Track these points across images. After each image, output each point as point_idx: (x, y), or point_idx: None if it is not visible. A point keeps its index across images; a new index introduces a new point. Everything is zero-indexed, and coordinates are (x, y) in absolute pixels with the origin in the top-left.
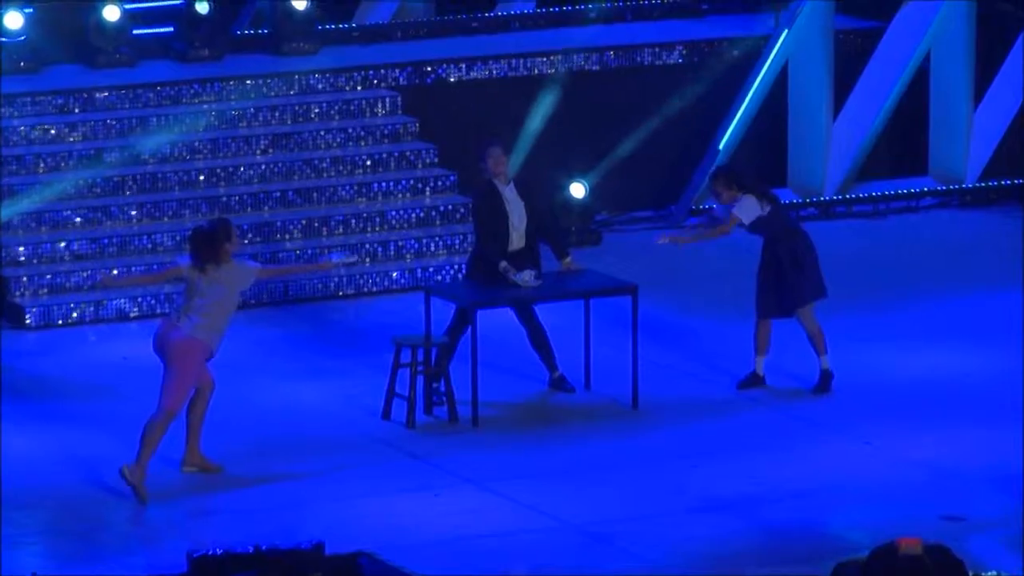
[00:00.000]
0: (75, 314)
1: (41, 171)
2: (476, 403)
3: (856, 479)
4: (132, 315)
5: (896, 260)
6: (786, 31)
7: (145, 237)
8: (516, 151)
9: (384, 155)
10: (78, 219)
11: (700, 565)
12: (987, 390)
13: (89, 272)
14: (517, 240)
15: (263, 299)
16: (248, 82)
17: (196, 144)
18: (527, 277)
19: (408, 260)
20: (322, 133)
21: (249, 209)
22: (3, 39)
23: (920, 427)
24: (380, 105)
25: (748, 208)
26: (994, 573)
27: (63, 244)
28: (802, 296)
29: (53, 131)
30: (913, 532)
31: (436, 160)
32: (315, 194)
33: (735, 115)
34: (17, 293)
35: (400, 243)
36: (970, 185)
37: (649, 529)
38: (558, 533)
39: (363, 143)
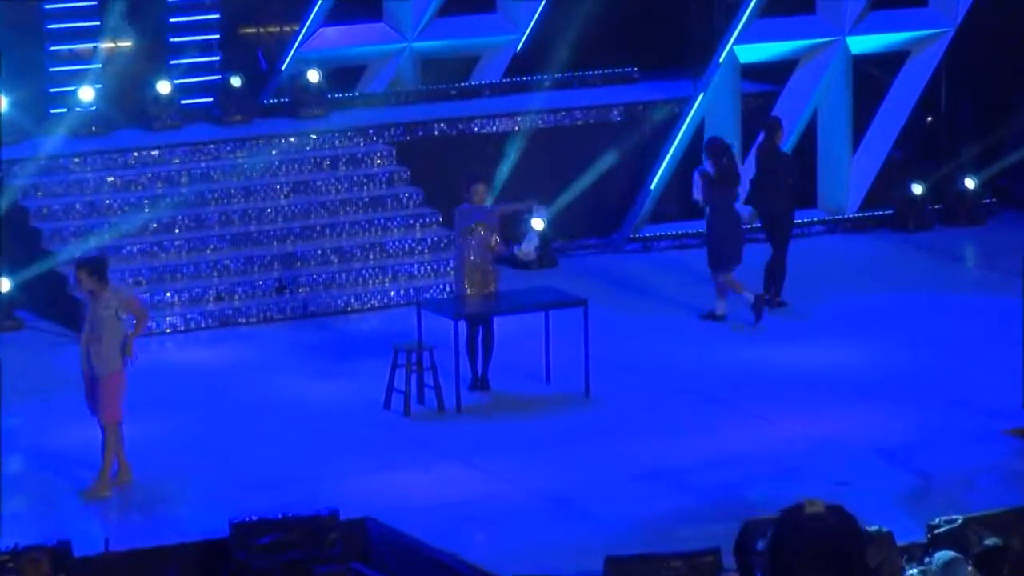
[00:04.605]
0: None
1: (108, 214)
2: (459, 395)
3: (764, 452)
4: (181, 329)
5: (794, 275)
6: (702, 94)
7: (192, 266)
8: (488, 192)
9: (382, 197)
10: (138, 252)
11: (641, 522)
12: (866, 377)
13: (148, 295)
14: None
15: (287, 313)
16: (273, 140)
17: (232, 190)
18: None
19: (403, 281)
20: (332, 180)
21: (275, 242)
22: (78, 108)
23: (814, 409)
24: (378, 157)
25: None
26: (876, 527)
27: (126, 272)
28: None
29: (118, 181)
30: (810, 495)
31: (423, 200)
32: (327, 229)
33: (663, 161)
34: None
35: (396, 268)
36: (851, 215)
37: (598, 494)
38: (526, 499)
39: (365, 188)
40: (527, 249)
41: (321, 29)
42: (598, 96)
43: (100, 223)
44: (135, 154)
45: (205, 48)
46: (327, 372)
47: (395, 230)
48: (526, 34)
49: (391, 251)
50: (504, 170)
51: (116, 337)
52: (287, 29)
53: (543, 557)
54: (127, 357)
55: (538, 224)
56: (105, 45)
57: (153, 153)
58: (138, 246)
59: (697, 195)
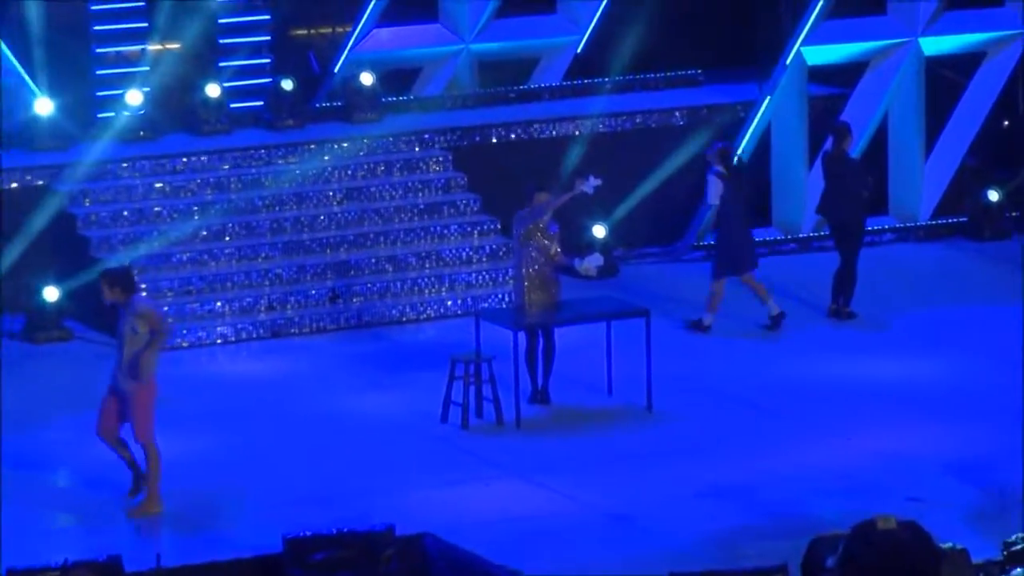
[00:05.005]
0: (184, 343)
1: (156, 221)
2: (519, 408)
3: (832, 467)
4: (231, 340)
5: (865, 285)
6: (768, 97)
7: (242, 275)
8: None
9: (438, 204)
10: (187, 260)
11: (706, 540)
12: (937, 390)
13: (198, 304)
14: None
15: (340, 324)
16: (326, 145)
17: (283, 197)
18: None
19: (460, 291)
20: (387, 186)
21: (328, 251)
22: (126, 113)
23: (884, 423)
24: (434, 162)
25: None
26: (950, 544)
27: (175, 280)
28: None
29: (167, 187)
30: (881, 511)
31: (480, 207)
32: (382, 237)
33: None
34: None
35: (453, 277)
36: (923, 222)
37: (663, 511)
38: (587, 515)
39: (420, 194)
40: (589, 265)
41: (375, 30)
42: (661, 99)
43: (149, 230)
44: (184, 159)
45: (255, 50)
46: (382, 384)
47: (452, 238)
48: (587, 35)
49: (448, 259)
50: (564, 176)
51: (135, 350)
52: (340, 30)
53: (604, 575)
54: (140, 376)
55: (600, 232)
56: (153, 47)
57: (202, 159)
58: (188, 254)
59: (714, 199)
